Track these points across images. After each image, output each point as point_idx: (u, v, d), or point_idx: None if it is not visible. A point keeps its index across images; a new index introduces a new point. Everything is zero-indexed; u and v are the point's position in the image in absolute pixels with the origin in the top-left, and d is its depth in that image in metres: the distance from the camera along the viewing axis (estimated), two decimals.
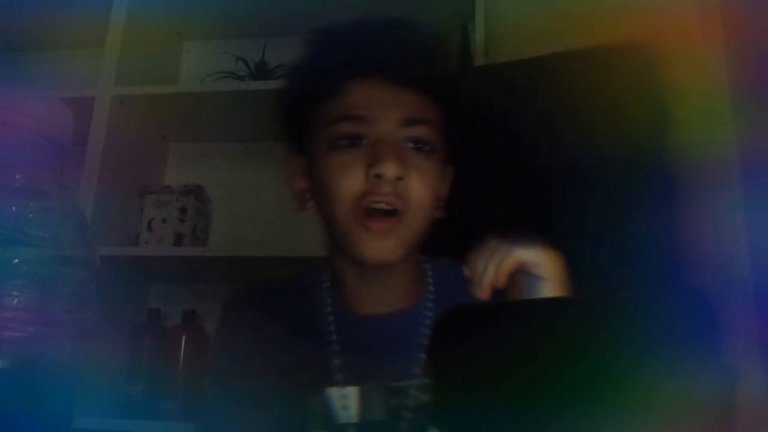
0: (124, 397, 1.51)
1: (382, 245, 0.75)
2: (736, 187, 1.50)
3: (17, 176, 0.45)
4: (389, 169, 0.73)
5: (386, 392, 0.76)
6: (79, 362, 0.45)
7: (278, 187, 1.72)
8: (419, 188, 0.76)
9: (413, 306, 0.82)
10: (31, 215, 0.44)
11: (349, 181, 0.75)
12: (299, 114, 0.83)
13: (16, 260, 0.43)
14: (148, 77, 1.70)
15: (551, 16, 1.62)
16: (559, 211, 0.92)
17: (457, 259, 0.81)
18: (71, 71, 1.82)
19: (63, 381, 0.45)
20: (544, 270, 0.67)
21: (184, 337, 1.57)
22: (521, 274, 0.68)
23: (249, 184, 1.78)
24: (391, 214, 0.75)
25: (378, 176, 0.74)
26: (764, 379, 1.26)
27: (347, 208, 0.75)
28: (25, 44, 1.92)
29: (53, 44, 1.90)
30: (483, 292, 0.66)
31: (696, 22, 1.59)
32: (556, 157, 0.94)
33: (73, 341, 0.45)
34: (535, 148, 0.96)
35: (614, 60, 0.98)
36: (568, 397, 0.39)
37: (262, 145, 1.78)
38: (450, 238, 0.80)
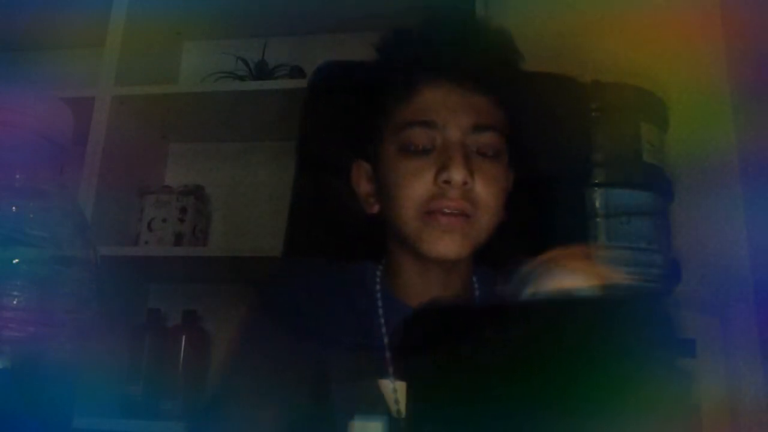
0: (124, 397, 1.51)
1: (448, 241, 0.75)
2: (736, 187, 1.51)
3: (17, 176, 0.45)
4: (457, 175, 0.74)
5: None
6: (79, 362, 0.45)
7: (278, 187, 1.74)
8: (485, 193, 0.76)
9: None
10: (31, 215, 0.44)
11: (418, 187, 0.76)
12: (367, 119, 0.83)
13: (16, 260, 0.43)
14: (148, 77, 1.69)
15: (551, 17, 1.62)
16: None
17: (489, 263, 0.82)
18: (71, 71, 1.82)
19: (63, 381, 0.45)
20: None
21: (184, 337, 1.56)
22: None
23: (249, 184, 1.78)
24: (459, 215, 0.75)
25: (446, 182, 0.74)
26: (764, 379, 1.26)
27: (415, 210, 0.76)
28: (25, 44, 1.91)
29: (53, 44, 1.90)
30: None
31: (696, 22, 1.60)
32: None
33: (73, 341, 0.45)
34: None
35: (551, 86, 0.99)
36: (533, 399, 0.40)
37: (262, 145, 1.78)
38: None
